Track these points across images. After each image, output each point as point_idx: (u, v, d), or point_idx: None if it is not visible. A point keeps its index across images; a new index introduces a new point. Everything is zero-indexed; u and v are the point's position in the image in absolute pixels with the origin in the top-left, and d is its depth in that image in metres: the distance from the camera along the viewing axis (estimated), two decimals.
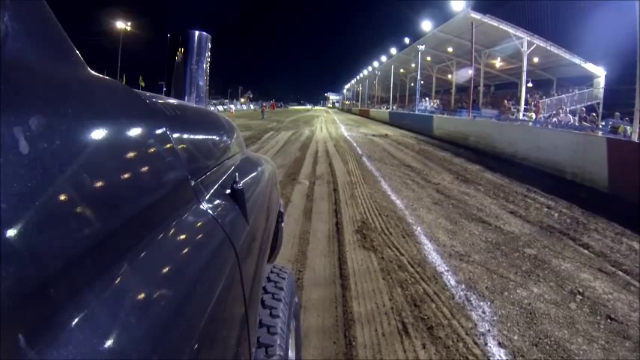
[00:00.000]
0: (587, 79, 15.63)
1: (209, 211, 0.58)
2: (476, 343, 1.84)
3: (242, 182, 0.75)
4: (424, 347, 1.81)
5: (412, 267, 2.67)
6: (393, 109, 27.68)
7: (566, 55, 15.10)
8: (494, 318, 2.07)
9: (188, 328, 0.40)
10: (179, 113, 0.66)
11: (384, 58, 32.66)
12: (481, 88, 20.07)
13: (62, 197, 0.29)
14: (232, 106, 45.14)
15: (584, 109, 13.29)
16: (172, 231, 0.47)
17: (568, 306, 2.23)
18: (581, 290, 2.41)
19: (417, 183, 5.50)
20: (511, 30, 14.69)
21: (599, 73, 15.26)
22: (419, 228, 3.51)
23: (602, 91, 14.91)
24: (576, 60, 15.12)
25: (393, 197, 4.64)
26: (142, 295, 0.36)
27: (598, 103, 14.73)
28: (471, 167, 7.05)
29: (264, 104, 38.79)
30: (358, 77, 53.66)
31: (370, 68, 40.93)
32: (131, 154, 0.42)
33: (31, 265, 0.24)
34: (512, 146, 8.05)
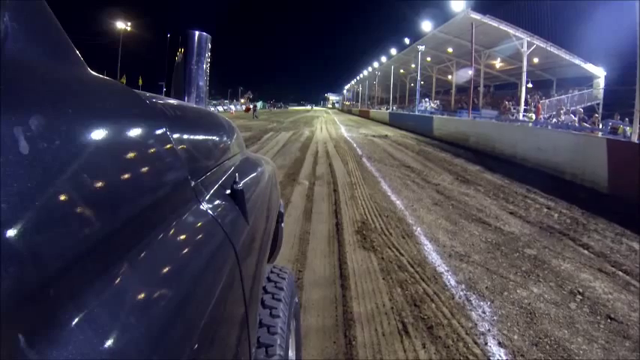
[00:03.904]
0: (587, 80, 15.64)
1: (209, 211, 0.58)
2: (476, 343, 1.84)
3: (242, 182, 0.75)
4: (424, 347, 1.81)
5: (412, 267, 2.67)
6: (393, 109, 27.69)
7: (566, 56, 15.11)
8: (494, 318, 2.07)
9: (188, 328, 0.40)
10: (179, 113, 0.66)
11: (384, 59, 32.67)
12: (481, 89, 20.07)
13: (62, 197, 0.29)
14: (232, 107, 45.20)
15: (582, 110, 13.29)
16: (172, 231, 0.47)
17: (568, 306, 2.23)
18: (581, 290, 2.41)
19: (417, 184, 5.50)
20: (511, 30, 14.69)
21: (599, 73, 15.26)
22: (419, 228, 3.51)
23: (602, 91, 14.91)
24: (576, 60, 15.12)
25: (393, 198, 4.64)
26: (142, 295, 0.36)
27: (598, 104, 14.73)
28: (470, 168, 7.05)
29: (248, 105, 37.73)
30: (358, 78, 53.68)
31: (370, 69, 40.93)
32: (131, 154, 0.42)
33: (31, 265, 0.24)
34: (512, 147, 8.05)
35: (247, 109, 36.17)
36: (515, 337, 1.91)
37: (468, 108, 15.11)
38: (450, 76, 23.57)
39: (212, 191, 0.65)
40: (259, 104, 48.44)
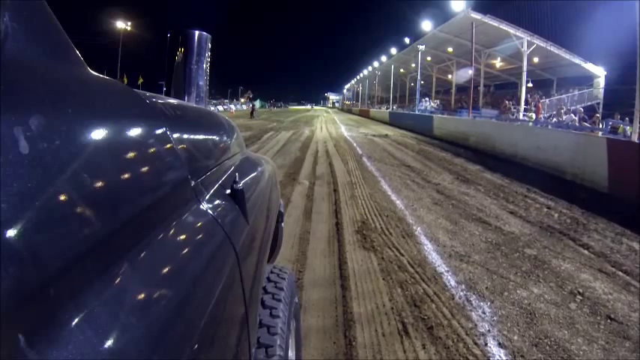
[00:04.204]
0: (587, 79, 15.64)
1: (209, 211, 0.58)
2: (476, 344, 1.84)
3: (242, 182, 0.75)
4: (424, 347, 1.81)
5: (412, 267, 2.67)
6: (393, 109, 27.68)
7: (566, 55, 15.11)
8: (495, 318, 2.07)
9: (188, 328, 0.40)
10: (179, 113, 0.66)
11: (384, 58, 32.67)
12: (481, 88, 20.06)
13: (62, 197, 0.29)
14: (232, 106, 45.31)
15: (582, 110, 13.29)
16: (172, 231, 0.47)
17: (568, 306, 2.23)
18: (581, 291, 2.41)
19: (417, 183, 5.50)
20: (511, 30, 14.70)
21: (599, 73, 15.26)
22: (419, 228, 3.51)
23: (602, 91, 14.91)
24: (576, 60, 15.12)
25: (393, 197, 4.64)
26: (142, 295, 0.36)
27: (598, 104, 14.73)
28: (471, 167, 7.05)
29: (249, 104, 37.82)
30: (358, 77, 53.67)
31: (370, 68, 40.93)
32: (131, 154, 0.42)
33: (31, 265, 0.24)
34: (512, 146, 8.04)
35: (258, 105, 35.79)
36: (515, 337, 1.91)
37: (468, 107, 15.10)
38: (450, 76, 23.56)
39: (212, 191, 0.65)
40: (257, 103, 48.31)
